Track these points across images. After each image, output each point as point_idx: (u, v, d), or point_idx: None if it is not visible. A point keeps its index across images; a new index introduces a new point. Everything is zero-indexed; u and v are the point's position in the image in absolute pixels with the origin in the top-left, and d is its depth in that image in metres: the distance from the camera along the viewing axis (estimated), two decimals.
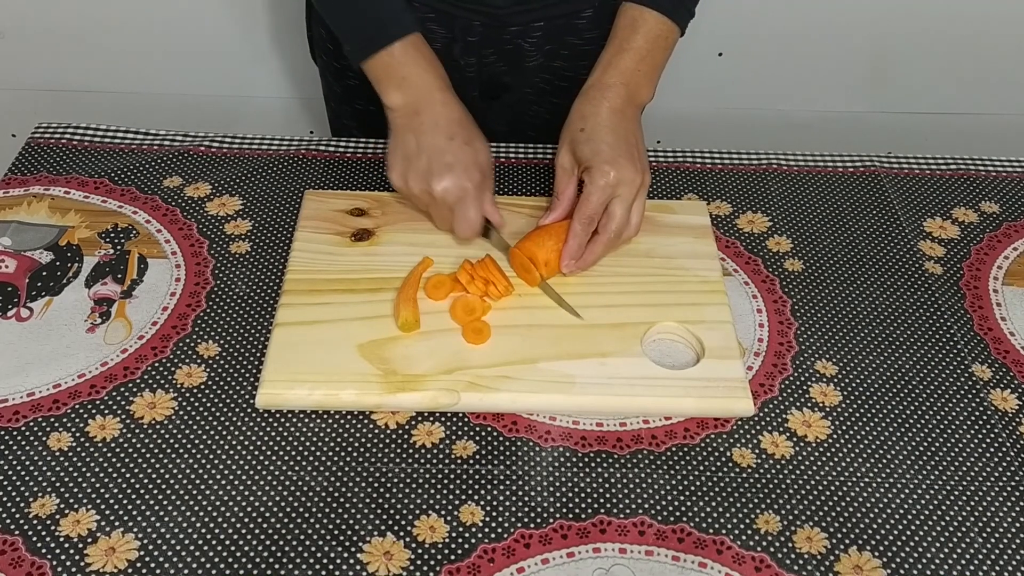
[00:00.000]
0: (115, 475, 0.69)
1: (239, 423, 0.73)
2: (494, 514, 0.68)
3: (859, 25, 1.44)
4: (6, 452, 0.71)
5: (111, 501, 0.68)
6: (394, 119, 0.83)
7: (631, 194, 0.80)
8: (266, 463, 0.71)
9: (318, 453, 0.72)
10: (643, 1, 0.85)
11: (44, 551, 0.65)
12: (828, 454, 0.73)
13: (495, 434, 0.74)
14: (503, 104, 1.06)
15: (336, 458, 0.71)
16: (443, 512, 0.68)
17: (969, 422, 0.76)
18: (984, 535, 0.68)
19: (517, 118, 1.08)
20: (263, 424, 0.73)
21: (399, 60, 0.81)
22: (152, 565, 0.64)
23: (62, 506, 0.67)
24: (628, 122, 0.84)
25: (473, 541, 0.66)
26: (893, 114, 1.56)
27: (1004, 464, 0.73)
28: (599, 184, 0.79)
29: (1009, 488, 0.71)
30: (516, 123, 1.08)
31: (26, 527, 0.66)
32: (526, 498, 0.69)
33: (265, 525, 0.67)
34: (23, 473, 0.69)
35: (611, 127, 0.82)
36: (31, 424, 0.72)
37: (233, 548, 0.65)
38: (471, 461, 0.72)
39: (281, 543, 0.66)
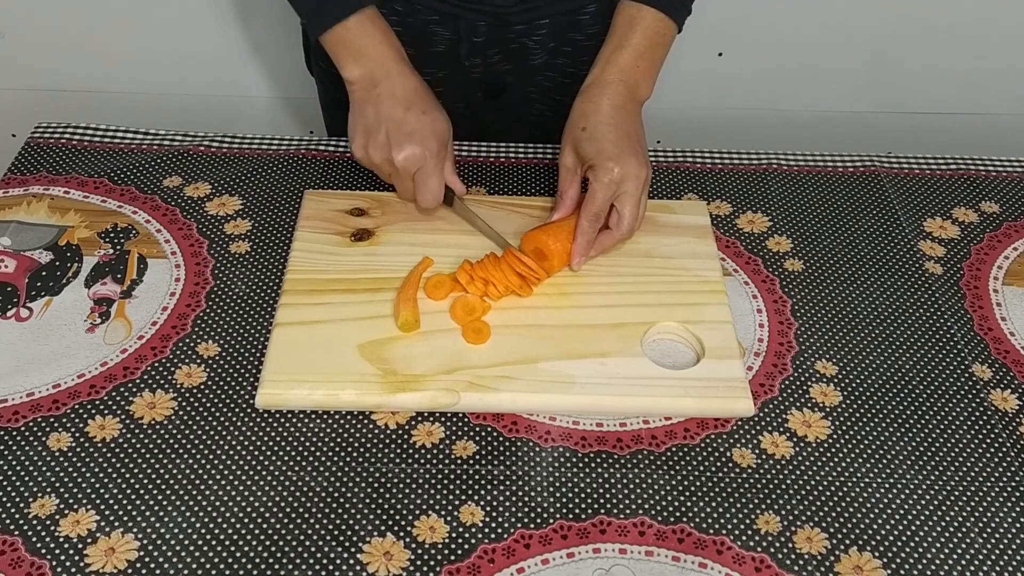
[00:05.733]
0: (115, 475, 0.69)
1: (239, 423, 0.73)
2: (494, 514, 0.68)
3: (859, 25, 1.44)
4: (6, 452, 0.70)
5: (111, 501, 0.68)
6: (353, 92, 0.84)
7: (637, 189, 0.81)
8: (266, 463, 0.71)
9: (318, 453, 0.72)
10: None
11: (44, 551, 0.65)
12: (828, 454, 0.73)
13: (495, 434, 0.74)
14: (505, 103, 1.06)
15: (336, 458, 0.71)
16: (443, 512, 0.68)
17: (969, 422, 0.76)
18: (984, 535, 0.68)
19: (520, 117, 1.08)
20: (263, 424, 0.73)
21: (354, 33, 0.82)
22: (152, 565, 0.64)
23: (62, 506, 0.67)
24: (629, 118, 0.84)
25: (473, 541, 0.66)
26: (893, 114, 1.56)
27: (1004, 464, 0.73)
28: (604, 181, 0.80)
29: (1009, 488, 0.71)
30: (519, 121, 1.08)
31: (26, 527, 0.66)
32: (526, 498, 0.69)
33: (265, 525, 0.67)
34: (23, 473, 0.69)
35: (613, 124, 0.82)
36: (31, 424, 0.72)
37: (233, 548, 0.65)
38: (471, 461, 0.72)
39: (281, 543, 0.66)
